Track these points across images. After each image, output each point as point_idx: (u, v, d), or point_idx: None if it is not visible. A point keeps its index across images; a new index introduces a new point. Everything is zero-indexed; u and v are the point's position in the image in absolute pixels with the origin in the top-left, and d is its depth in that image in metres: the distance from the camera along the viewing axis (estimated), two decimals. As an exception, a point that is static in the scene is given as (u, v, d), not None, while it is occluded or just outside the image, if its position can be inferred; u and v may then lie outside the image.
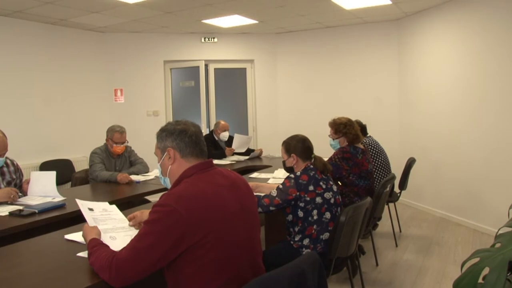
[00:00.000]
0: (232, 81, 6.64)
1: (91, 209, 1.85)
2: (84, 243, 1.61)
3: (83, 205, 1.84)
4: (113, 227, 1.76)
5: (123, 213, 1.96)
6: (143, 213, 1.89)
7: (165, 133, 1.53)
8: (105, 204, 1.98)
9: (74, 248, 1.67)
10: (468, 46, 4.29)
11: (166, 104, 6.11)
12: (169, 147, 1.51)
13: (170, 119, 6.05)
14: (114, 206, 1.97)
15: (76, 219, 2.15)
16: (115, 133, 3.49)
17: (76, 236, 1.82)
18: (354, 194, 3.11)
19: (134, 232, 1.77)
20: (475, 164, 4.26)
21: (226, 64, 6.33)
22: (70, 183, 3.79)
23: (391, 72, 5.59)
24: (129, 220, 1.88)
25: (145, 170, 3.67)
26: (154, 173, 3.59)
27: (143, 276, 1.32)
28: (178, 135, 1.50)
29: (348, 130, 3.16)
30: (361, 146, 3.23)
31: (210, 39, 6.10)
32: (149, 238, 1.30)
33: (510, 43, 3.79)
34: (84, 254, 1.58)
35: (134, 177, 3.37)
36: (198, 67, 6.06)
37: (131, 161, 3.69)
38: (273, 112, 6.40)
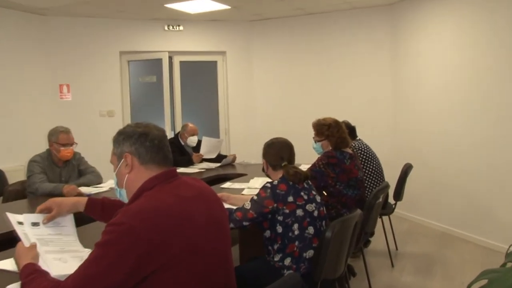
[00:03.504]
0: (200, 76, 6.62)
1: (36, 224, 1.77)
2: (17, 271, 1.53)
3: (15, 219, 1.74)
4: (62, 249, 1.70)
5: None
6: (61, 204, 1.80)
7: (122, 136, 1.53)
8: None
9: (4, 278, 1.60)
10: (474, 35, 4.35)
11: (123, 102, 6.04)
12: (127, 152, 1.50)
13: (128, 120, 5.99)
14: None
15: (6, 242, 2.04)
16: (60, 134, 3.41)
17: (7, 264, 1.74)
18: (341, 206, 3.13)
19: (87, 253, 1.72)
20: (482, 171, 4.33)
21: (194, 56, 6.31)
22: (1, 198, 3.67)
23: (383, 65, 5.69)
24: (40, 211, 1.79)
25: (98, 180, 3.61)
26: (109, 184, 3.53)
27: None
28: (138, 138, 1.50)
29: (331, 133, 3.20)
30: (349, 151, 3.26)
31: (174, 27, 6.07)
32: (102, 263, 1.27)
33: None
34: (16, 285, 1.48)
35: (83, 189, 3.30)
36: (160, 59, 6.02)
37: (80, 170, 3.62)
38: (249, 112, 6.42)
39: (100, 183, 3.61)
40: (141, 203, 1.37)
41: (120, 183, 1.55)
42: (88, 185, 3.48)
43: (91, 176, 3.59)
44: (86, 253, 1.74)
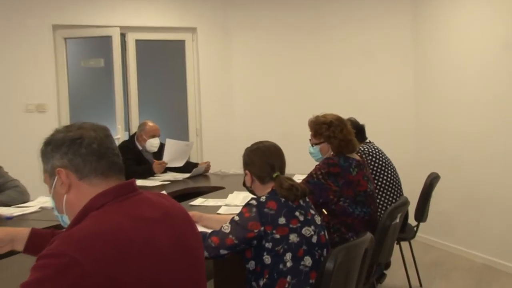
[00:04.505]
0: (163, 61, 6.61)
1: None
2: None
3: None
4: None
5: None
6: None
7: (50, 147, 1.52)
8: None
9: None
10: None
11: (58, 94, 5.96)
12: (59, 167, 1.50)
13: (66, 118, 5.92)
14: None
15: None
16: None
17: None
18: (346, 228, 3.15)
19: None
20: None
21: (154, 34, 6.29)
22: None
23: (403, 46, 5.76)
24: None
25: (22, 198, 3.58)
26: (39, 202, 3.51)
27: None
28: (70, 146, 1.49)
29: (333, 133, 3.22)
30: (357, 157, 3.29)
31: (128, -5, 6.07)
32: None
33: None
34: None
35: (2, 210, 3.25)
36: (110, 37, 5.96)
37: (-4, 184, 3.60)
38: (227, 108, 6.41)
39: (25, 201, 3.57)
40: (85, 227, 1.36)
41: (59, 208, 1.55)
42: (8, 204, 3.44)
43: (12, 192, 3.55)
44: None
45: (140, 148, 4.90)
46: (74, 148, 1.49)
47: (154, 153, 4.93)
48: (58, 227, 2.36)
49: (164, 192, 3.27)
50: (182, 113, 6.47)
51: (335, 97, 5.85)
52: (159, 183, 4.48)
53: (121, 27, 6.02)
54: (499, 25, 4.64)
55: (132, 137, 5.03)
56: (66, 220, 1.56)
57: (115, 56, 5.96)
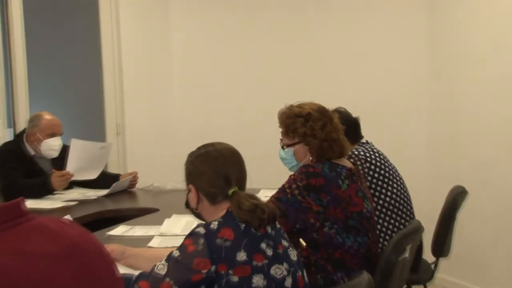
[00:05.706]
0: (67, 23, 6.57)
1: None
2: None
3: None
4: None
5: None
6: None
7: None
8: None
9: None
10: None
11: None
12: None
13: None
14: None
15: None
16: None
17: None
18: (334, 266, 3.15)
19: None
20: None
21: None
22: None
23: (415, 24, 5.93)
24: None
25: None
26: None
27: None
28: None
29: (311, 130, 3.22)
30: (348, 164, 3.32)
31: None
32: None
33: None
34: None
35: None
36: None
37: None
38: (161, 94, 6.45)
39: None
40: None
41: None
42: None
43: None
44: None
45: (32, 152, 4.82)
46: None
47: (53, 159, 4.89)
48: None
49: (68, 217, 3.26)
50: (95, 102, 6.43)
51: (320, 81, 5.95)
52: (61, 204, 4.44)
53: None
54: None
55: (18, 137, 4.95)
56: None
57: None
